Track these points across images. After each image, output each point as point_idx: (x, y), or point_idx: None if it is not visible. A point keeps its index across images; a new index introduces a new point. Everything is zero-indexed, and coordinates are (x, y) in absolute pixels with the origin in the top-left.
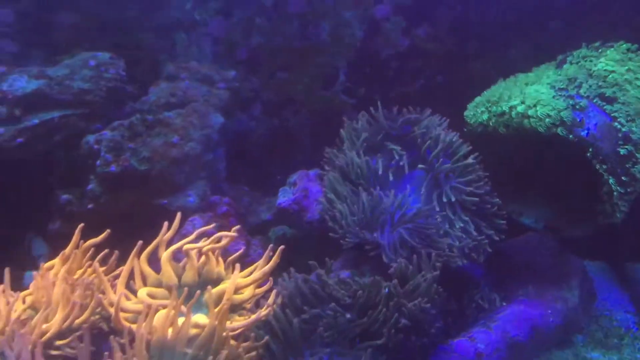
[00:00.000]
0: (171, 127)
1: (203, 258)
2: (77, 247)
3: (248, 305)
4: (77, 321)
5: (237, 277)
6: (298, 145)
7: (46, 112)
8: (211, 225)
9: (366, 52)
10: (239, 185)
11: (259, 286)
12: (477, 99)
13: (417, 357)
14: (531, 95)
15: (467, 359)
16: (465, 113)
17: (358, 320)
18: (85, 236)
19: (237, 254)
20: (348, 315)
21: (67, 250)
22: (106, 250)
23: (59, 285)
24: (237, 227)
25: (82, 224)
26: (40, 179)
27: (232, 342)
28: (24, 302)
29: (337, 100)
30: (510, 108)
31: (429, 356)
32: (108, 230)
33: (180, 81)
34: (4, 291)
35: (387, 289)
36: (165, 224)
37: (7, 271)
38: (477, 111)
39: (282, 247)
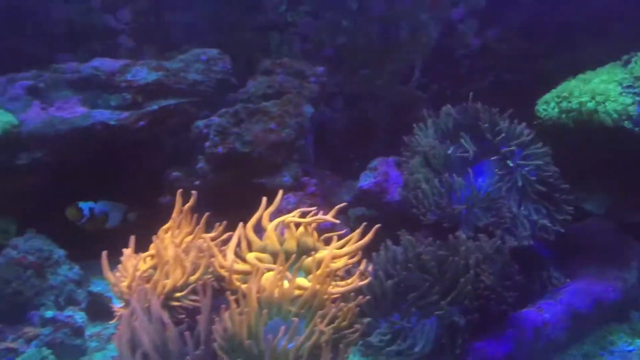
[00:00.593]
0: (269, 115)
1: (301, 229)
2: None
3: (340, 273)
4: (192, 278)
5: (334, 248)
6: (375, 136)
7: (163, 100)
8: (313, 208)
9: (440, 51)
10: (322, 170)
11: (350, 258)
12: (547, 95)
13: (494, 322)
14: (600, 92)
15: (535, 327)
16: (536, 108)
17: (440, 279)
18: (195, 209)
19: (341, 232)
20: (425, 275)
21: (174, 215)
22: (207, 214)
23: (170, 248)
24: (341, 205)
25: (180, 189)
26: (151, 158)
27: (330, 304)
28: (145, 262)
29: (412, 94)
30: (580, 104)
31: (502, 322)
32: (194, 192)
33: (275, 75)
34: (130, 254)
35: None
36: (265, 199)
37: (132, 238)
38: (547, 106)
39: (377, 225)
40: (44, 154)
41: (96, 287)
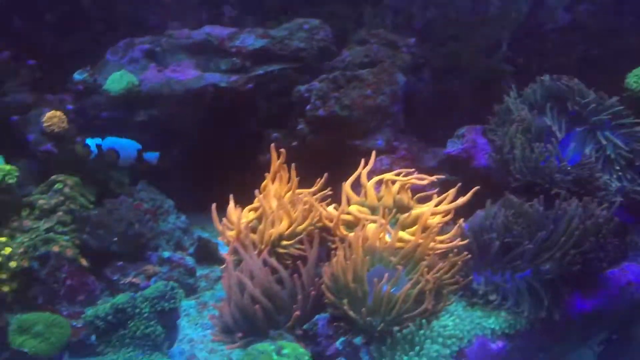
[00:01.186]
0: (365, 82)
1: (396, 187)
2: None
3: (435, 230)
4: (299, 228)
5: (432, 205)
6: (458, 107)
7: (269, 65)
8: (413, 170)
9: (529, 25)
10: (409, 136)
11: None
12: (638, 69)
13: (584, 281)
14: None
15: (620, 286)
16: (627, 80)
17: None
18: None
19: (433, 191)
20: (514, 232)
21: (271, 174)
22: (293, 165)
23: (275, 200)
24: (439, 176)
25: (272, 145)
26: (249, 119)
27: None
28: (249, 213)
29: (498, 68)
30: None
31: (591, 281)
32: (282, 150)
33: (370, 45)
34: (233, 207)
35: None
36: (363, 160)
37: (231, 196)
38: (638, 79)
39: (476, 187)
40: (159, 112)
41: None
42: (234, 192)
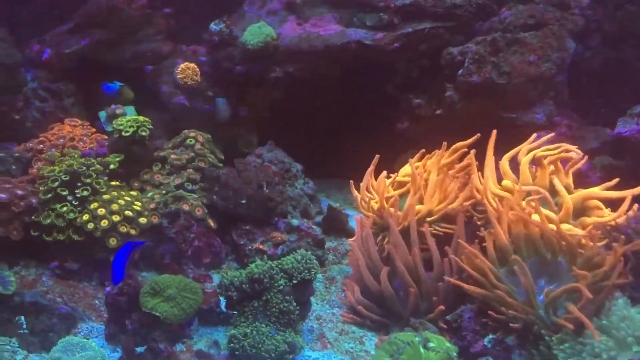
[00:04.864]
0: (528, 46)
1: (553, 167)
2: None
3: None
4: (451, 206)
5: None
6: (631, 81)
7: (418, 23)
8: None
9: None
10: (570, 111)
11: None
12: None
13: None
14: None
15: None
16: None
17: None
18: (432, 137)
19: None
20: None
21: (440, 152)
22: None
23: (433, 175)
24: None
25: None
26: (386, 81)
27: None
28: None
29: None
30: None
31: None
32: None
33: (535, 4)
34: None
35: None
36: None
37: (376, 157)
38: None
39: None
40: (296, 68)
41: (325, 204)
42: (365, 160)
